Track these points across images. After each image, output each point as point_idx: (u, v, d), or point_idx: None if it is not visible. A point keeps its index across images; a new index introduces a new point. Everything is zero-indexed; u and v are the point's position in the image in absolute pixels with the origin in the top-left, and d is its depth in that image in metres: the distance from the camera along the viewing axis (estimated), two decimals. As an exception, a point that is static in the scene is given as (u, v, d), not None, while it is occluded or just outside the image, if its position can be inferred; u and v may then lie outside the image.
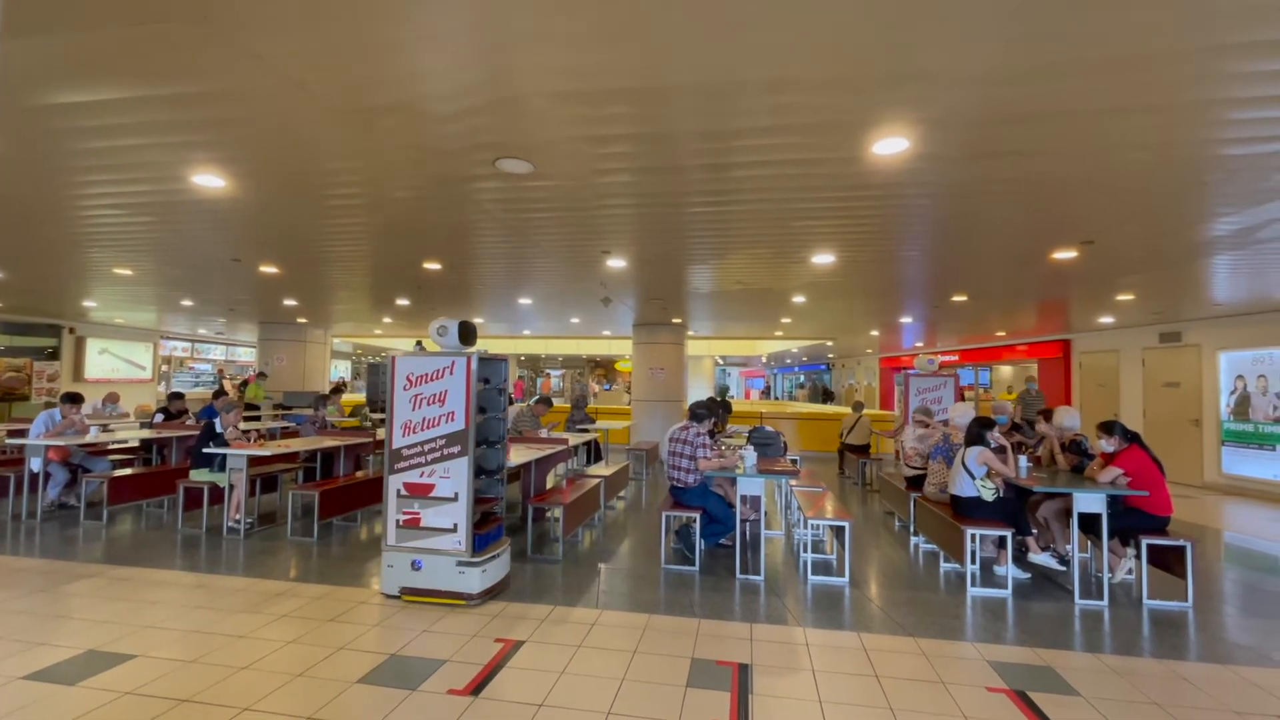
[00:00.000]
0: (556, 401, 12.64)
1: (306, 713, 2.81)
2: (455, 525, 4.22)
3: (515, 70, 2.70)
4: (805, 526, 5.48)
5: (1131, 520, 4.66)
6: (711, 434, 5.98)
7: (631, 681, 3.17)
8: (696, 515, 5.20)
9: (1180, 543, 4.45)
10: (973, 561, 4.83)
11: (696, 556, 5.18)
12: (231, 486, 5.97)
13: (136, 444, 8.10)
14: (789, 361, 30.29)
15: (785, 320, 11.84)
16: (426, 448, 4.30)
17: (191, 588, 4.42)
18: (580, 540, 5.92)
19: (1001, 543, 4.88)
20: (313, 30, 2.43)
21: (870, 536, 6.29)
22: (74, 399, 6.82)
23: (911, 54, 2.51)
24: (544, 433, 7.70)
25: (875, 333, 14.56)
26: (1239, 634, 3.99)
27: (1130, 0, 2.15)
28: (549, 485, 6.80)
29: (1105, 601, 4.48)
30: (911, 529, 6.21)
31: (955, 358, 17.52)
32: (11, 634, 3.58)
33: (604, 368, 31.44)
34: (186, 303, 10.74)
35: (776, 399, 33.03)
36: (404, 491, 4.32)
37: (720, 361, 31.95)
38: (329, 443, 6.96)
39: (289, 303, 10.49)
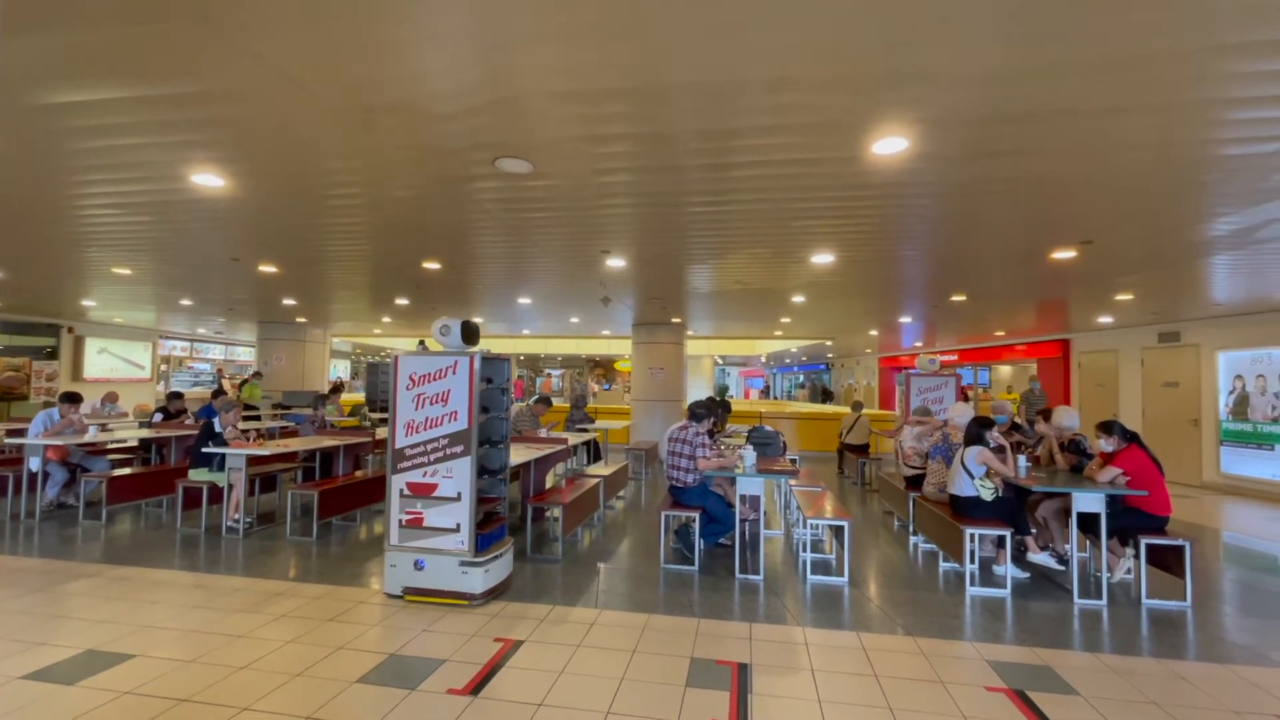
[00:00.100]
0: (556, 401, 12.63)
1: (305, 712, 2.81)
2: (458, 525, 4.21)
3: (515, 70, 2.70)
4: (804, 526, 5.48)
5: (1130, 520, 4.66)
6: (711, 434, 5.98)
7: (631, 681, 3.17)
8: (696, 515, 5.20)
9: (1179, 542, 4.46)
10: (972, 561, 4.83)
11: (696, 556, 5.18)
12: (230, 486, 5.96)
13: (135, 443, 8.10)
14: (788, 361, 30.30)
15: (784, 320, 11.84)
16: (429, 447, 4.30)
17: (190, 587, 4.42)
18: (579, 540, 5.92)
19: (1000, 542, 4.88)
20: (312, 30, 2.43)
21: (869, 536, 6.29)
22: (73, 398, 6.81)
23: (911, 54, 2.51)
24: (543, 432, 7.70)
25: (874, 332, 14.57)
26: (1237, 633, 3.99)
27: (1130, 0, 2.15)
28: (548, 485, 6.80)
29: (1104, 601, 4.49)
30: (911, 529, 6.21)
31: (954, 357, 17.53)
32: (10, 634, 3.57)
33: (603, 367, 31.44)
34: (185, 302, 10.73)
35: (776, 399, 33.03)
36: (407, 491, 4.31)
37: (719, 361, 31.96)
38: (328, 442, 6.96)
39: (288, 302, 10.49)
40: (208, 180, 4.22)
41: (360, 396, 16.12)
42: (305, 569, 4.89)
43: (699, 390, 21.69)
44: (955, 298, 8.67)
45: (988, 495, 4.96)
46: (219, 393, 10.63)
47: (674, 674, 3.25)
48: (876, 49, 2.48)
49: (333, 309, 11.45)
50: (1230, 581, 5.09)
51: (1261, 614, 4.34)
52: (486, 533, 4.35)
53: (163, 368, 17.81)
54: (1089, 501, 4.58)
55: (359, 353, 27.25)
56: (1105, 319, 10.51)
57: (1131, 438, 4.80)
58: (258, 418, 10.79)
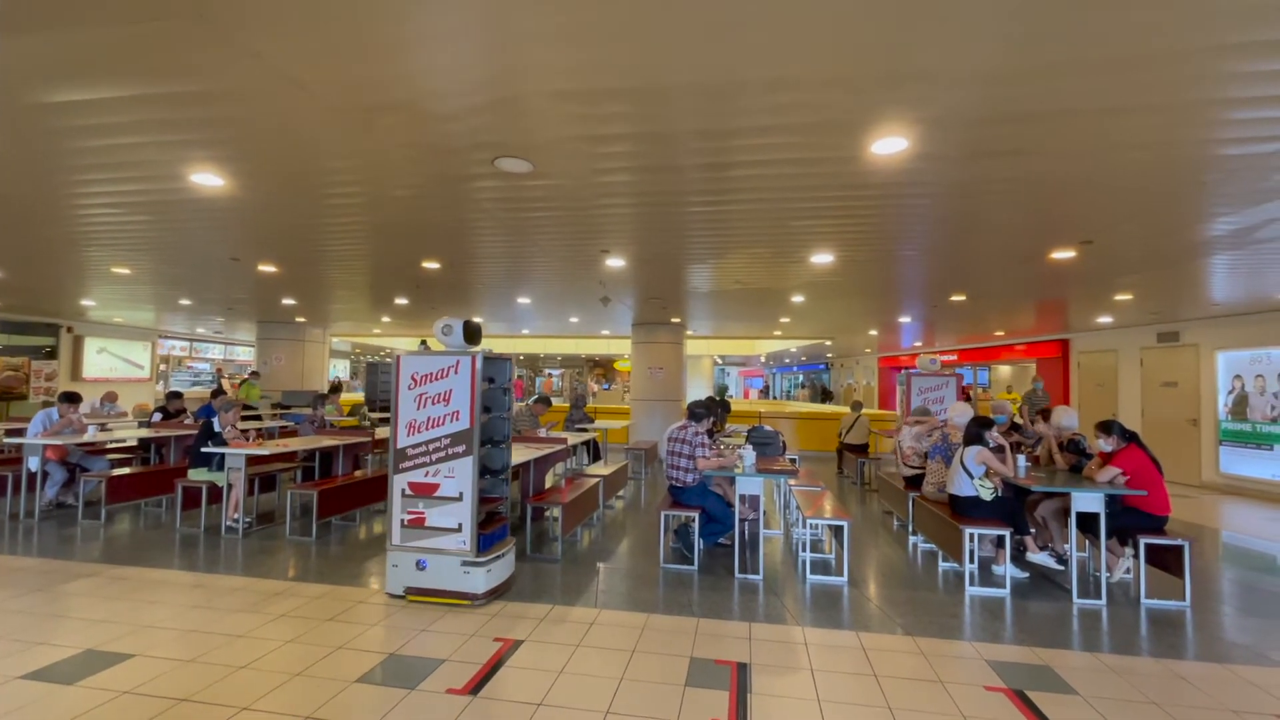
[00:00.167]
0: (555, 401, 12.64)
1: (305, 712, 2.80)
2: (460, 525, 4.21)
3: (515, 70, 2.70)
4: (804, 526, 5.48)
5: (1129, 519, 4.67)
6: (710, 433, 5.98)
7: (630, 681, 3.17)
8: (695, 514, 5.20)
9: (1178, 542, 4.46)
10: (971, 561, 4.83)
11: (695, 556, 5.18)
12: (230, 486, 5.96)
13: (135, 443, 8.09)
14: (788, 361, 30.31)
15: (784, 320, 11.84)
16: (431, 447, 4.29)
17: (190, 587, 4.42)
18: (579, 539, 5.92)
19: (1000, 542, 4.89)
20: (312, 29, 2.43)
21: (869, 536, 6.29)
22: (72, 398, 6.81)
23: (911, 54, 2.51)
24: (542, 432, 7.69)
25: (874, 332, 14.57)
26: (1236, 633, 4.00)
27: (1130, 0, 2.15)
28: (548, 484, 6.80)
29: (1103, 601, 4.49)
30: (910, 528, 6.21)
31: (954, 357, 17.54)
32: (10, 633, 3.57)
33: (603, 367, 31.43)
34: (185, 302, 10.72)
35: (775, 398, 33.04)
36: (409, 491, 4.31)
37: (719, 361, 31.97)
38: (327, 442, 6.96)
39: (287, 302, 10.48)
40: (207, 180, 4.22)
41: (360, 396, 16.12)
42: (304, 569, 4.89)
43: (698, 390, 21.70)
44: (955, 297, 8.67)
45: (987, 495, 4.96)
46: (218, 392, 10.63)
47: (673, 673, 3.25)
48: (876, 49, 2.48)
49: (332, 308, 11.44)
50: (1229, 581, 5.10)
51: (1260, 614, 4.34)
52: (488, 533, 4.35)
53: (162, 367, 17.80)
54: (1088, 501, 4.58)
55: (358, 352, 27.25)
56: (1105, 319, 10.51)
57: (1131, 437, 4.80)
58: (257, 417, 10.79)
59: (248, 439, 6.27)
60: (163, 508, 6.80)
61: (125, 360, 15.60)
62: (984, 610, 4.29)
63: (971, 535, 4.77)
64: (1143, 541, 4.53)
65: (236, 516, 5.87)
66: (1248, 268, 6.17)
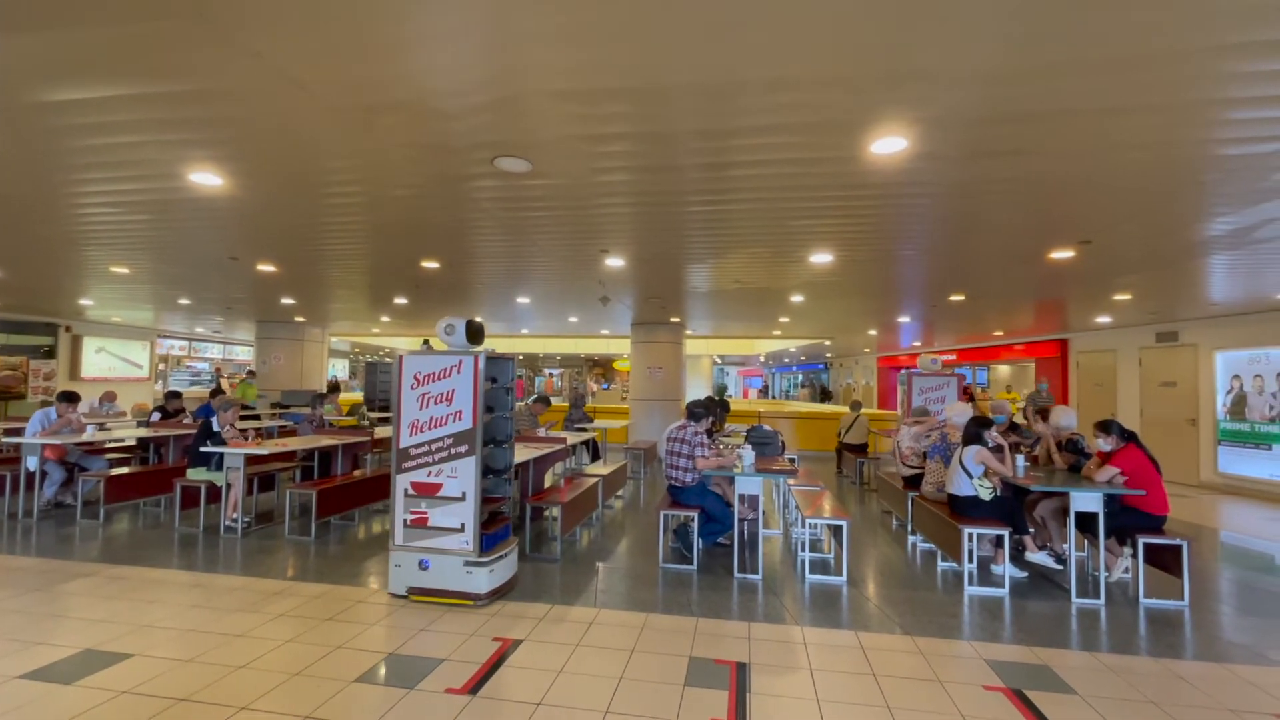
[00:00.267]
0: (554, 401, 12.64)
1: (304, 711, 2.80)
2: (463, 525, 4.21)
3: (514, 69, 2.70)
4: (803, 525, 5.49)
5: (1128, 519, 4.67)
6: (709, 433, 5.98)
7: (629, 680, 3.17)
8: (694, 514, 5.20)
9: (1177, 542, 4.47)
10: (970, 560, 4.84)
11: (694, 555, 5.18)
12: (229, 485, 5.96)
13: (133, 443, 8.08)
14: (787, 361, 30.31)
15: (783, 319, 11.85)
16: (434, 447, 4.29)
17: (189, 587, 4.41)
18: (578, 539, 5.92)
19: (999, 542, 4.89)
20: (312, 29, 2.42)
21: (868, 535, 6.30)
22: (70, 397, 6.80)
23: (911, 54, 2.51)
24: (542, 432, 7.69)
25: (873, 332, 14.58)
26: (1235, 633, 4.00)
27: (1130, 0, 2.15)
28: (547, 484, 6.80)
29: (1102, 600, 4.50)
30: (909, 528, 6.22)
31: (953, 357, 17.55)
32: (8, 633, 3.57)
33: (602, 367, 31.43)
34: (184, 301, 10.71)
35: (774, 398, 33.05)
36: (411, 491, 4.31)
37: (718, 360, 31.97)
38: (326, 441, 6.96)
39: (287, 301, 10.47)
40: (207, 179, 4.21)
41: (359, 396, 16.10)
42: (303, 568, 4.88)
43: (697, 390, 21.70)
44: (954, 297, 8.68)
45: (986, 495, 4.97)
46: (217, 392, 10.63)
47: (673, 673, 3.25)
48: (876, 49, 2.48)
49: (331, 308, 11.43)
50: (1227, 581, 5.11)
51: (1259, 613, 4.35)
52: (491, 533, 4.35)
53: (161, 367, 17.77)
54: (1087, 501, 4.59)
55: (357, 352, 27.22)
56: (1103, 319, 10.52)
57: (1129, 437, 4.81)
58: (255, 417, 10.78)
59: (246, 438, 6.27)
60: (161, 507, 6.80)
61: (124, 360, 15.58)
62: (983, 610, 4.29)
63: (970, 535, 4.77)
64: (1141, 541, 4.54)
65: (235, 516, 5.87)
66: (1246, 268, 6.18)
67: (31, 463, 6.45)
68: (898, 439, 6.85)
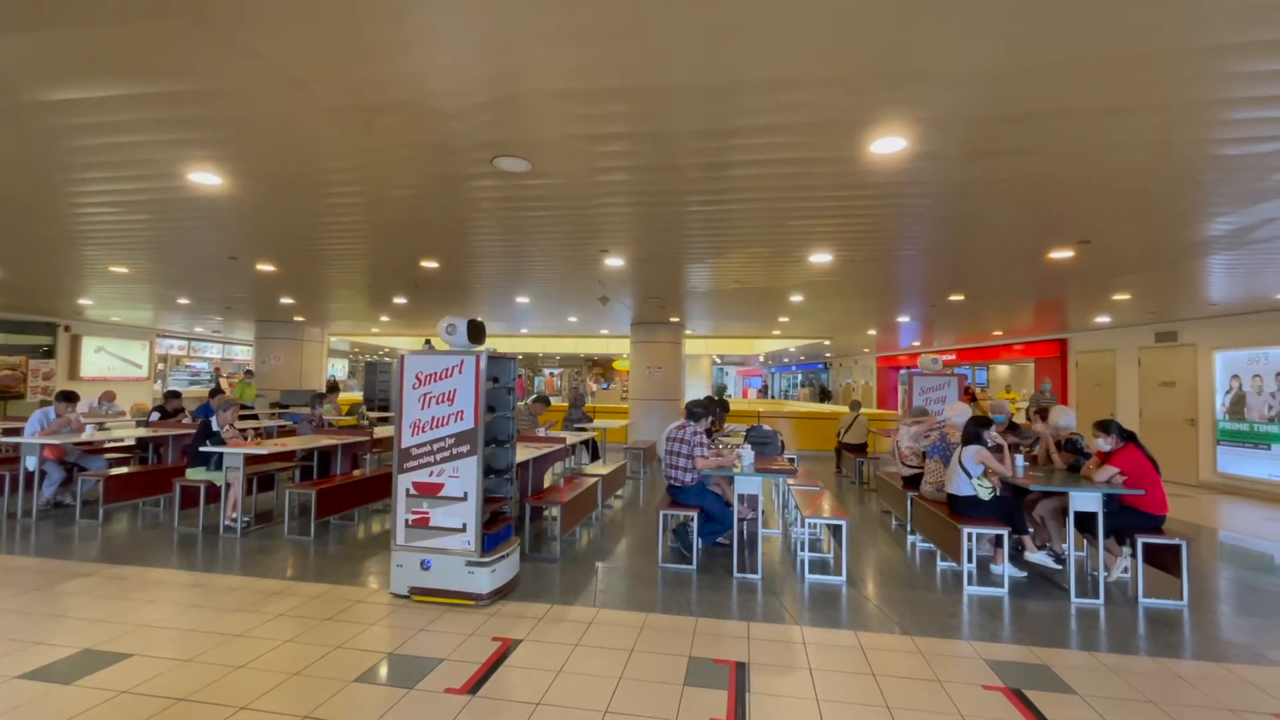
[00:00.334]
0: (554, 400, 12.64)
1: (303, 711, 2.80)
2: (464, 525, 4.20)
3: (514, 69, 2.70)
4: (802, 525, 5.49)
5: (1127, 519, 4.68)
6: (709, 433, 5.98)
7: (629, 680, 3.17)
8: (694, 514, 5.20)
9: (1176, 541, 4.47)
10: (969, 560, 4.84)
11: (694, 555, 5.18)
12: (228, 485, 5.95)
13: (132, 442, 8.07)
14: (786, 360, 30.32)
15: (783, 319, 11.85)
16: (435, 447, 4.28)
17: (188, 586, 4.41)
18: (578, 539, 5.92)
19: (998, 541, 4.89)
20: (312, 29, 2.42)
21: (867, 535, 6.30)
22: (69, 397, 6.80)
23: (911, 54, 2.51)
24: (541, 431, 7.69)
25: (873, 332, 14.58)
26: (1234, 632, 4.01)
27: (1130, 0, 2.15)
28: (546, 484, 6.80)
29: (1101, 600, 4.50)
30: (908, 528, 6.22)
31: (952, 357, 17.56)
32: (7, 633, 3.56)
33: (601, 367, 31.43)
34: (183, 301, 10.70)
35: (774, 398, 33.06)
36: (413, 491, 4.30)
37: (718, 360, 31.97)
38: (326, 441, 6.95)
39: (286, 301, 10.46)
40: (206, 179, 4.21)
41: (358, 395, 16.09)
42: (303, 568, 4.88)
43: (697, 389, 21.70)
44: (954, 297, 8.68)
45: (985, 494, 4.97)
46: (216, 391, 10.63)
47: (672, 673, 3.25)
48: (876, 49, 2.48)
49: (331, 308, 11.43)
50: (1226, 580, 5.11)
51: (1258, 613, 4.36)
52: (493, 532, 4.35)
53: (160, 366, 17.75)
54: (1086, 500, 4.59)
55: (357, 351, 27.20)
56: (1103, 319, 10.53)
57: (1128, 437, 4.81)
58: (254, 416, 10.77)
59: (246, 438, 6.26)
60: (160, 507, 6.79)
61: (123, 359, 15.56)
62: (982, 609, 4.29)
63: (970, 535, 4.77)
64: (1140, 541, 4.54)
65: (235, 516, 5.87)
66: (1245, 267, 6.19)
67: (30, 462, 6.44)
68: (897, 439, 6.85)
